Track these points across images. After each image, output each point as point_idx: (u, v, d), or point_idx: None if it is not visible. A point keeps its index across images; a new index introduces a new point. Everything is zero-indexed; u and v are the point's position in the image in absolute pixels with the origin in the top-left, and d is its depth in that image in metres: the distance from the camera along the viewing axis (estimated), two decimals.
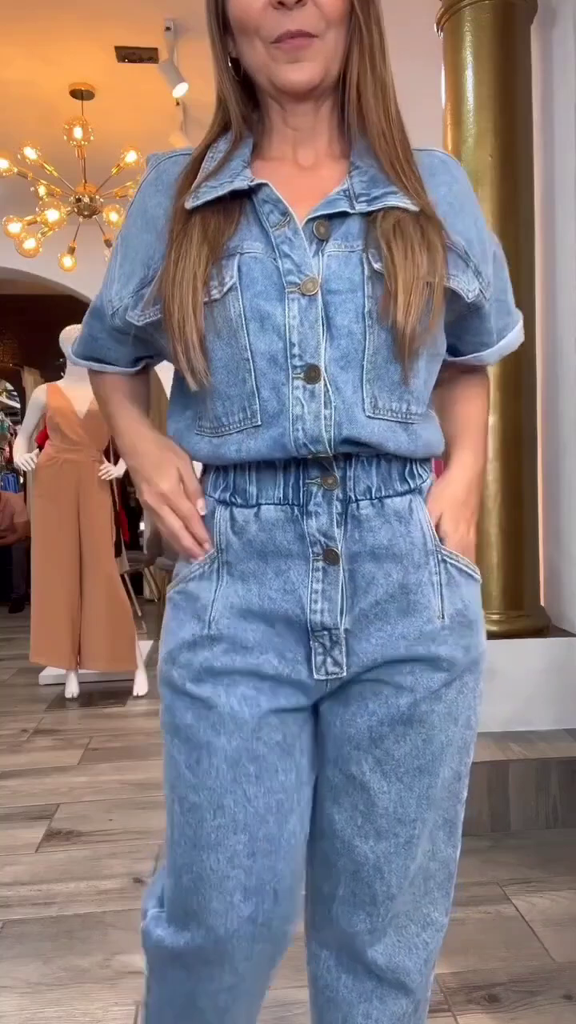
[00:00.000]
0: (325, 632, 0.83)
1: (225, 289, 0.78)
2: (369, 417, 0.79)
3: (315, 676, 0.84)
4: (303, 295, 0.78)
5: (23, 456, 3.70)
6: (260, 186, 0.80)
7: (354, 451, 0.80)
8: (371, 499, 0.82)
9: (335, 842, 0.90)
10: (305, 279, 0.78)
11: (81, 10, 3.24)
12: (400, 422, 0.82)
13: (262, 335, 0.78)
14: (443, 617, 0.85)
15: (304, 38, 0.78)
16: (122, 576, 3.82)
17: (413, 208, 0.80)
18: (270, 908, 0.84)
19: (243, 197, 0.81)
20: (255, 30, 0.79)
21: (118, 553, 3.85)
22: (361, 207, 0.80)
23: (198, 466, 0.89)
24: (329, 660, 0.84)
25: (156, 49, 3.51)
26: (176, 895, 0.87)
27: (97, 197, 4.02)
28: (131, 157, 3.80)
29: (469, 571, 0.88)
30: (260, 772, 0.83)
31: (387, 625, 0.84)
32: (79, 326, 1.02)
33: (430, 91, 2.79)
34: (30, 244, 4.07)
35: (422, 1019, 1.00)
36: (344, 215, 0.80)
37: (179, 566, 0.90)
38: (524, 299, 2.53)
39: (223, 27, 0.84)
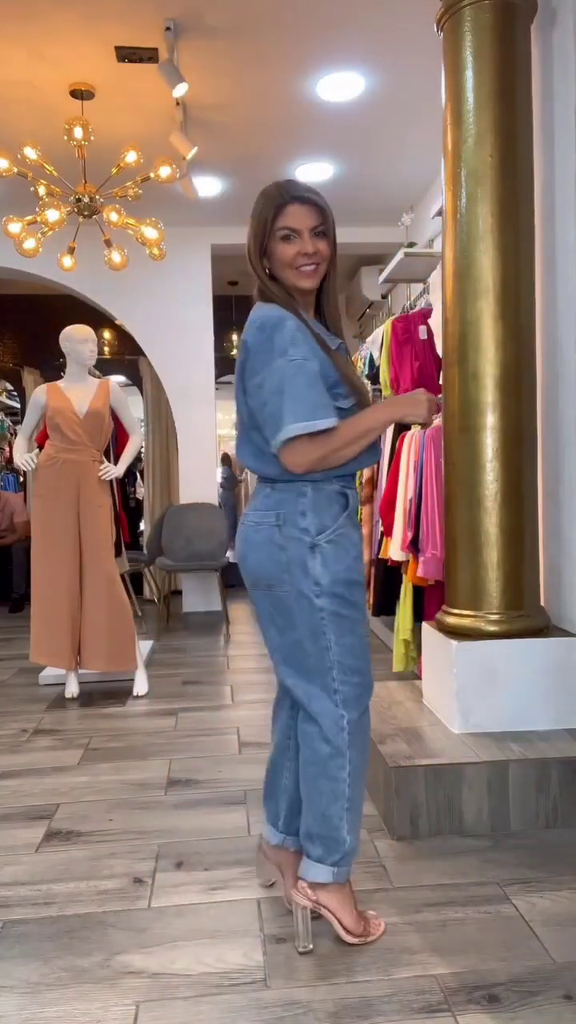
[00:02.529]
0: None
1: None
2: None
3: None
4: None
5: (23, 456, 3.69)
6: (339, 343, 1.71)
7: None
8: None
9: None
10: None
11: (81, 10, 3.24)
12: None
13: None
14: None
15: (314, 267, 1.63)
16: (122, 576, 3.82)
17: (345, 345, 1.72)
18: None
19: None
20: (289, 264, 1.62)
21: (118, 553, 3.85)
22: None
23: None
24: None
25: (156, 49, 3.51)
26: (359, 681, 1.68)
27: (97, 197, 4.01)
28: (131, 157, 3.78)
29: None
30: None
31: None
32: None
33: (430, 91, 2.80)
34: (30, 244, 4.06)
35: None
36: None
37: (325, 521, 1.62)
38: (524, 299, 2.53)
39: (262, 253, 1.64)
